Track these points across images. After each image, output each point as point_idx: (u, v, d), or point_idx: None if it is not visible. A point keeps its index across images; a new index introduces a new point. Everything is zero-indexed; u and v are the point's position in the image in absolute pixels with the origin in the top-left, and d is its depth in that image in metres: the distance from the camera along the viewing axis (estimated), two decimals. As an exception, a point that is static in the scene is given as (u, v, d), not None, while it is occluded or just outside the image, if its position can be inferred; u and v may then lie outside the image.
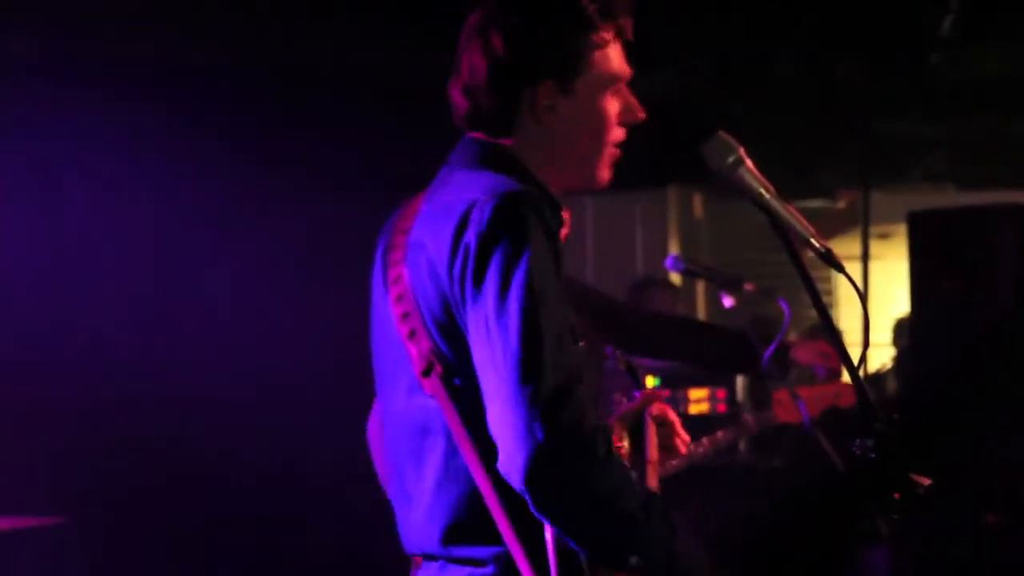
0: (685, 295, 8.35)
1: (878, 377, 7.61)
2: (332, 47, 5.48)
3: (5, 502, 4.22)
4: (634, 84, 2.45)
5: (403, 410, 2.30)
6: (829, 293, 8.45)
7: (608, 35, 2.36)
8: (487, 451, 2.15)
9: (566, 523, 2.10)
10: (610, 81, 2.38)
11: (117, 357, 5.14)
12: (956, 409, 5.47)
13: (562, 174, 2.39)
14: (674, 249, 8.88)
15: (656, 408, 2.60)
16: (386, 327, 2.32)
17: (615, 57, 2.39)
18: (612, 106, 2.39)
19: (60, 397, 5.06)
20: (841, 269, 2.40)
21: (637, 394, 2.62)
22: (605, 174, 2.42)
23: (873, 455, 2.27)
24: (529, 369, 2.08)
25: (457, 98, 2.38)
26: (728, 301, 5.38)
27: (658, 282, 6.85)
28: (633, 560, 2.12)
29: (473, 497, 2.19)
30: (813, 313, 2.48)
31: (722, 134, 2.38)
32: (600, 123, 2.38)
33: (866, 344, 2.54)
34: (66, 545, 4.73)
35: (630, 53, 2.42)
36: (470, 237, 2.16)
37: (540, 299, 2.12)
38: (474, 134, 2.38)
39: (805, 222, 2.39)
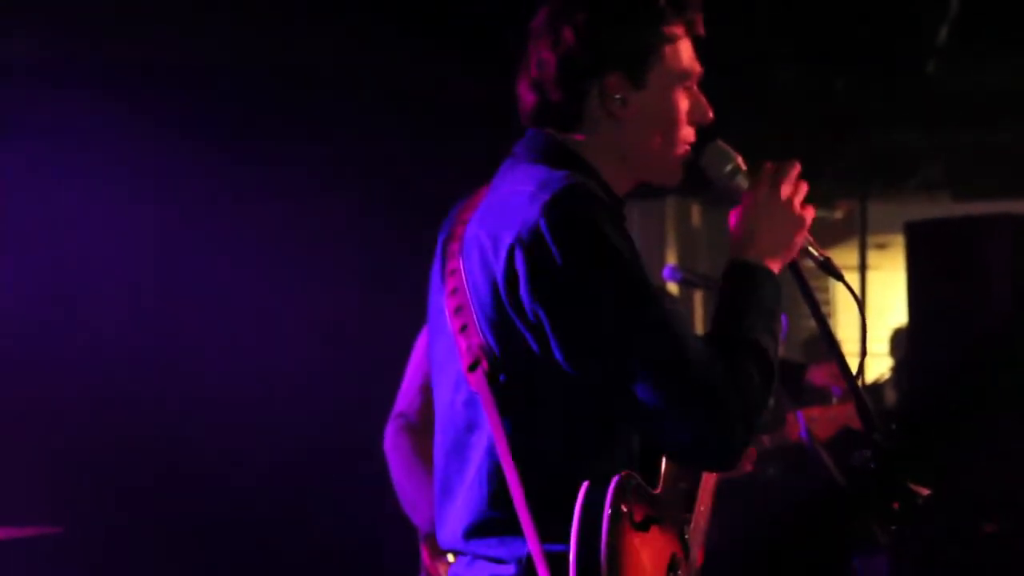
0: (683, 305, 8.35)
1: (876, 387, 7.61)
2: (332, 47, 5.49)
3: (3, 508, 4.20)
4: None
5: (451, 404, 2.30)
6: (827, 303, 8.45)
7: (679, 30, 2.36)
8: (523, 452, 2.17)
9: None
10: (681, 77, 2.37)
11: (117, 358, 5.13)
12: (954, 417, 5.47)
13: (634, 170, 2.38)
14: (672, 259, 8.88)
15: None
16: (440, 319, 2.32)
17: (686, 53, 2.38)
18: (683, 102, 2.37)
19: (59, 397, 5.04)
20: (840, 278, 2.43)
21: None
22: (678, 172, 2.41)
23: (872, 465, 2.28)
24: (666, 352, 2.13)
25: (524, 94, 2.37)
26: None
27: (656, 291, 6.83)
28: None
29: (503, 496, 2.19)
30: (812, 323, 2.49)
31: (720, 142, 2.39)
32: (672, 118, 2.36)
33: (863, 353, 2.55)
34: (65, 555, 4.70)
35: (700, 51, 2.42)
36: (528, 235, 2.16)
37: (637, 280, 2.15)
38: (542, 128, 2.37)
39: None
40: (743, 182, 2.37)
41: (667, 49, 2.35)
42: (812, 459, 4.32)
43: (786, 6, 6.25)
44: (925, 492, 2.26)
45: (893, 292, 8.00)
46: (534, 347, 2.18)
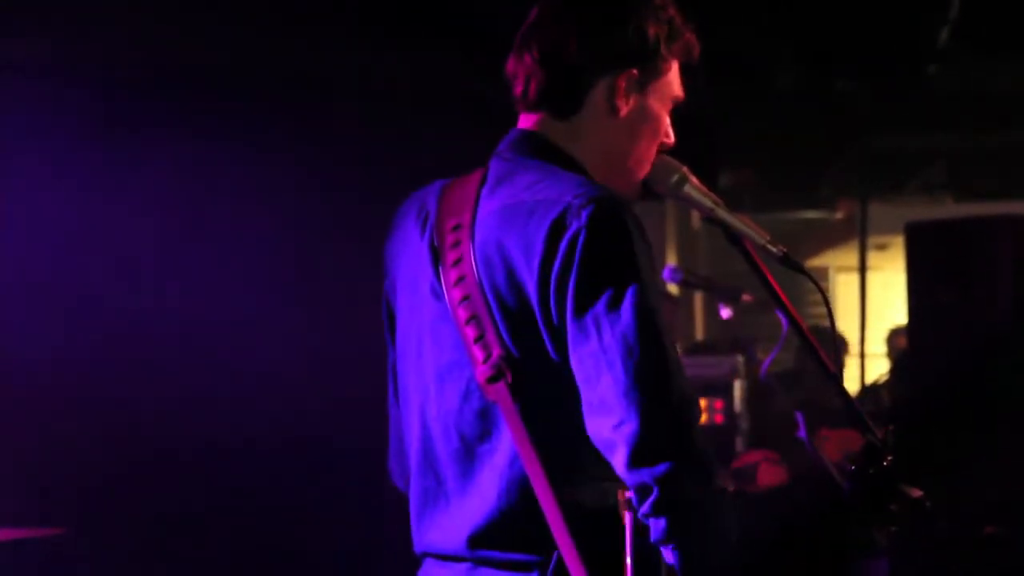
0: (683, 306, 8.36)
1: (875, 388, 7.62)
2: (331, 49, 5.50)
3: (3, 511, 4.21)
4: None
5: (456, 411, 2.25)
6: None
7: (678, 52, 2.36)
8: (551, 463, 2.13)
9: (684, 544, 2.11)
10: (672, 96, 2.37)
11: (116, 357, 5.14)
12: (953, 420, 5.47)
13: (610, 176, 2.32)
14: (672, 260, 8.89)
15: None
16: (439, 326, 2.26)
17: (678, 76, 2.38)
18: (666, 120, 2.38)
19: (57, 397, 5.05)
20: (802, 270, 2.42)
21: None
22: (639, 187, 2.38)
23: (870, 468, 2.28)
24: (661, 384, 2.07)
25: (528, 70, 2.30)
26: (726, 312, 5.41)
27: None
28: None
29: (528, 506, 2.15)
30: (810, 320, 2.48)
31: (663, 157, 2.39)
32: (656, 132, 2.36)
33: (837, 344, 2.53)
34: (66, 557, 4.71)
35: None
36: (571, 243, 2.11)
37: (655, 311, 2.09)
38: (524, 124, 2.33)
39: (759, 229, 2.41)
40: (691, 191, 2.38)
41: (672, 64, 2.35)
42: (812, 462, 4.32)
43: (786, 7, 6.26)
44: (917, 493, 2.26)
45: (893, 293, 8.01)
46: (553, 354, 2.14)
